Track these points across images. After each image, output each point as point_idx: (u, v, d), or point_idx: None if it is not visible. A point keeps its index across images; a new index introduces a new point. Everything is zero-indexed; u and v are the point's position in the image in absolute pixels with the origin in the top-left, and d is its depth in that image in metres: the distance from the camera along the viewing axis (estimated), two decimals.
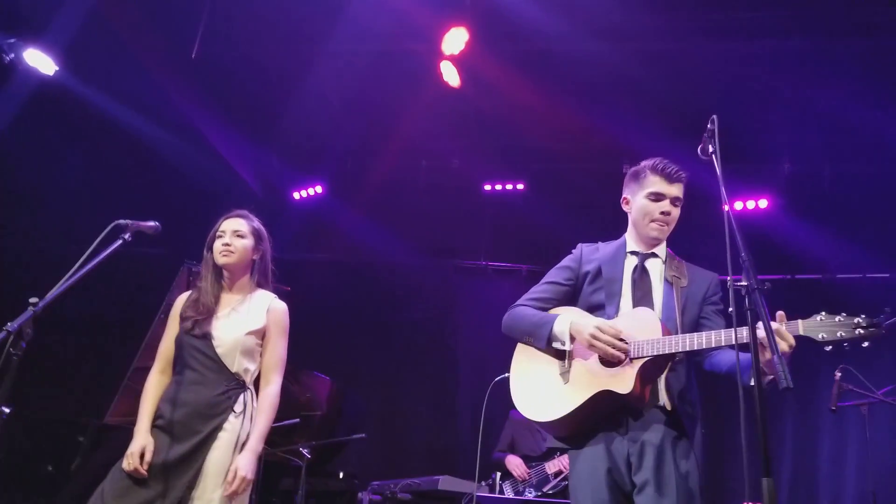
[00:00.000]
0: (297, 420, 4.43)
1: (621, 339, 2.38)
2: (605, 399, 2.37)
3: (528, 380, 2.57)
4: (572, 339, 2.47)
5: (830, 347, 2.17)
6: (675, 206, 2.60)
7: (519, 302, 2.70)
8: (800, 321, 2.21)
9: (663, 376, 2.42)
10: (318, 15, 5.30)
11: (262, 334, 2.92)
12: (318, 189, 7.16)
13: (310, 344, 6.69)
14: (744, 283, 2.02)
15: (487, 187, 6.96)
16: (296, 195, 7.23)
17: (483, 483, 5.02)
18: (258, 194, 6.87)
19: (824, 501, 6.01)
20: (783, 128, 5.73)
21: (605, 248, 2.70)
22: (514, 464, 4.92)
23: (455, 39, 5.40)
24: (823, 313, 2.20)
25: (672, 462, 2.33)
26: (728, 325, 2.39)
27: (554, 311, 2.64)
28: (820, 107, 5.44)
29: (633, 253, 2.65)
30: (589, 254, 2.69)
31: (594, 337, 2.39)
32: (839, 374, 4.38)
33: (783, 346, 2.15)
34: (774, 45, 5.15)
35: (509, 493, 4.84)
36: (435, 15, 5.28)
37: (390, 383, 7.05)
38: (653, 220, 2.58)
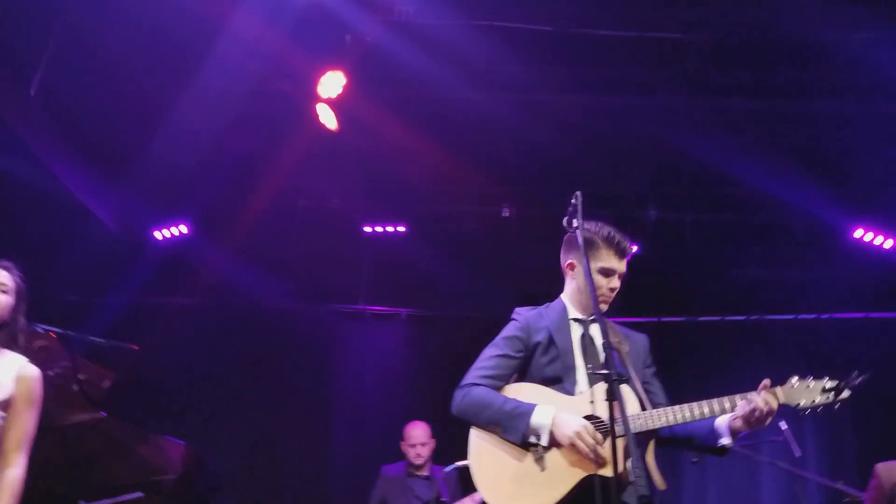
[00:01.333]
0: (141, 494, 3.89)
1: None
2: (590, 484, 2.23)
3: (496, 471, 2.35)
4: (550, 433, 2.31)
5: (807, 412, 2.28)
6: (620, 279, 2.58)
7: (471, 380, 2.50)
8: (779, 388, 2.30)
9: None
10: (183, 53, 4.98)
11: (7, 406, 2.49)
12: (183, 229, 6.68)
13: (167, 399, 6.13)
14: (603, 372, 2.14)
15: (368, 229, 6.79)
16: (157, 234, 6.71)
17: None
18: (114, 233, 6.28)
19: None
20: (650, 178, 6.09)
21: (548, 315, 2.60)
22: None
23: (332, 83, 5.26)
24: (795, 378, 2.29)
25: None
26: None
27: (508, 388, 2.49)
28: (686, 158, 5.81)
29: (576, 320, 2.58)
30: (535, 321, 2.58)
31: (579, 436, 2.26)
32: None
33: (773, 404, 2.26)
34: (641, 100, 5.47)
35: None
36: (310, 57, 5.12)
37: (259, 440, 6.52)
38: (601, 296, 2.53)
